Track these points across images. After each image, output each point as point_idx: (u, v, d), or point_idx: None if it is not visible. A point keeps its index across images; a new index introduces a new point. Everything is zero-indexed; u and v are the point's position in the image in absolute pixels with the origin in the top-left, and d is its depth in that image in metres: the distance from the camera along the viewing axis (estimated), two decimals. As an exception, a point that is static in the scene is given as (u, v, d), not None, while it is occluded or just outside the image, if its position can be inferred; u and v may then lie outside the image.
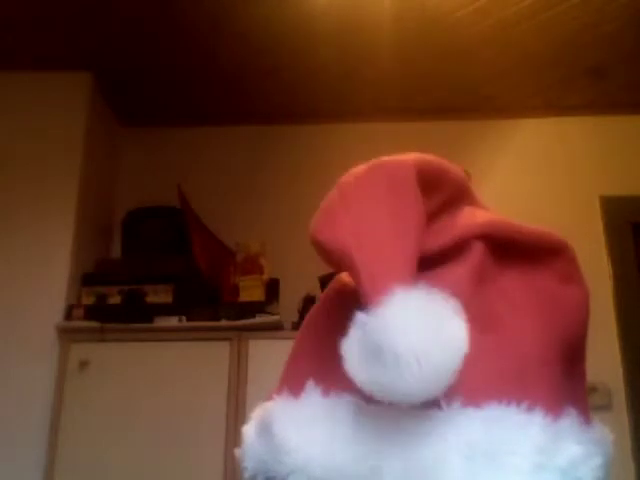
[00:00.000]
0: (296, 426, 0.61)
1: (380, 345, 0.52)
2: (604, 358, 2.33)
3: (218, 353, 2.12)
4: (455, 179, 0.70)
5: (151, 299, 2.20)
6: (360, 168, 0.66)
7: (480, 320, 0.59)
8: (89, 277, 2.31)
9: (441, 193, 0.66)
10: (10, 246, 2.28)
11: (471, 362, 0.55)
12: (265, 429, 0.63)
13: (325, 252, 0.63)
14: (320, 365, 0.64)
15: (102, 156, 2.63)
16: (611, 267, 2.50)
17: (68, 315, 2.19)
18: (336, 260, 0.62)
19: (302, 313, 2.18)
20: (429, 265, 0.62)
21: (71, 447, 2.03)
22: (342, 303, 0.67)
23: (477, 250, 0.63)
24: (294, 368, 0.68)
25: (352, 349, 0.54)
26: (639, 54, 2.38)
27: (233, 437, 1.99)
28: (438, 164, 0.68)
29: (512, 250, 0.66)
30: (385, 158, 0.66)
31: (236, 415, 2.03)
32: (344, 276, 0.70)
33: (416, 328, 0.52)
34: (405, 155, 0.66)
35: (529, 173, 2.67)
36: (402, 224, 0.60)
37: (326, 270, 2.15)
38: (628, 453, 2.22)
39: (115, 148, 2.76)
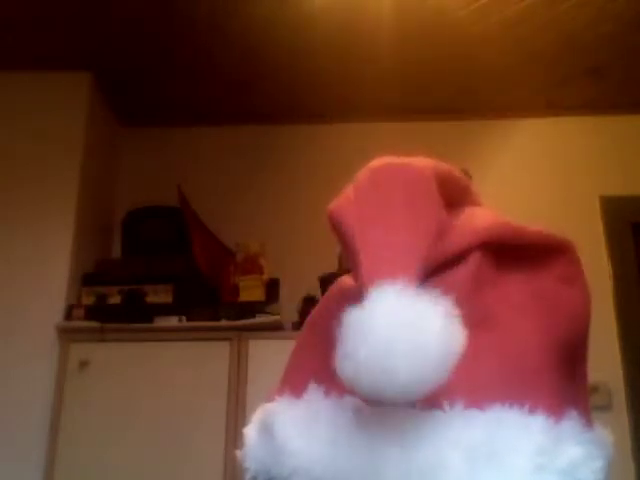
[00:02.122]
0: (297, 427, 0.61)
1: (361, 337, 0.52)
2: (604, 358, 2.32)
3: (218, 353, 2.12)
4: (459, 180, 0.70)
5: (151, 299, 2.20)
6: (377, 167, 0.65)
7: (481, 323, 0.59)
8: (89, 277, 2.31)
9: (447, 195, 0.66)
10: (10, 246, 2.28)
11: (473, 365, 0.55)
12: (266, 430, 0.63)
13: (332, 226, 0.63)
14: (322, 365, 0.64)
15: (102, 156, 2.63)
16: (611, 267, 2.50)
17: (68, 315, 2.18)
18: (340, 237, 0.62)
19: (302, 313, 2.18)
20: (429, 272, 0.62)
21: (71, 447, 2.02)
22: (344, 303, 0.67)
23: (476, 258, 0.63)
24: (296, 368, 0.68)
25: (340, 346, 0.54)
26: (639, 54, 2.38)
27: (233, 437, 1.99)
28: (446, 166, 0.68)
29: (514, 252, 0.66)
30: (402, 160, 0.65)
31: (236, 415, 2.02)
32: (346, 277, 0.70)
33: (400, 324, 0.52)
34: (417, 158, 0.66)
35: (529, 173, 2.67)
36: (421, 224, 0.60)
37: (326, 270, 2.16)
38: (628, 453, 2.22)
39: (115, 148, 2.75)
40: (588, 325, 0.67)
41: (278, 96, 2.64)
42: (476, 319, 0.58)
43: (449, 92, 2.63)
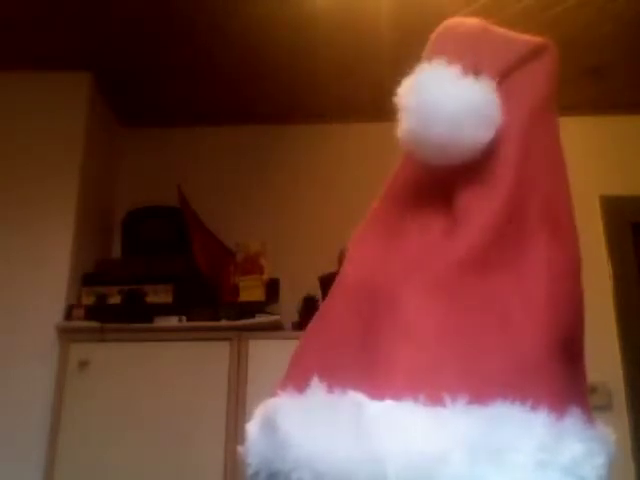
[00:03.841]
0: (300, 422, 0.61)
1: None
2: (604, 358, 2.32)
3: (218, 353, 2.12)
4: None
5: (151, 299, 2.20)
6: None
7: (488, 317, 0.60)
8: (89, 277, 2.31)
9: None
10: (10, 246, 2.28)
11: (476, 361, 0.55)
12: (269, 425, 0.63)
13: None
14: (326, 361, 0.64)
15: (102, 156, 2.63)
16: (611, 267, 2.50)
17: (68, 315, 2.18)
18: None
19: (302, 313, 2.18)
20: None
21: (71, 447, 2.02)
22: (349, 301, 0.67)
23: None
24: (300, 363, 0.68)
25: None
26: (639, 54, 2.38)
27: (233, 437, 1.99)
28: None
29: None
30: None
31: (236, 415, 2.02)
32: (350, 271, 0.70)
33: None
34: None
35: (529, 173, 2.66)
36: None
37: (326, 270, 2.15)
38: (628, 453, 2.22)
39: (115, 148, 2.75)
40: (584, 321, 0.67)
41: (278, 96, 2.64)
42: (483, 308, 0.60)
43: (449, 92, 2.62)
